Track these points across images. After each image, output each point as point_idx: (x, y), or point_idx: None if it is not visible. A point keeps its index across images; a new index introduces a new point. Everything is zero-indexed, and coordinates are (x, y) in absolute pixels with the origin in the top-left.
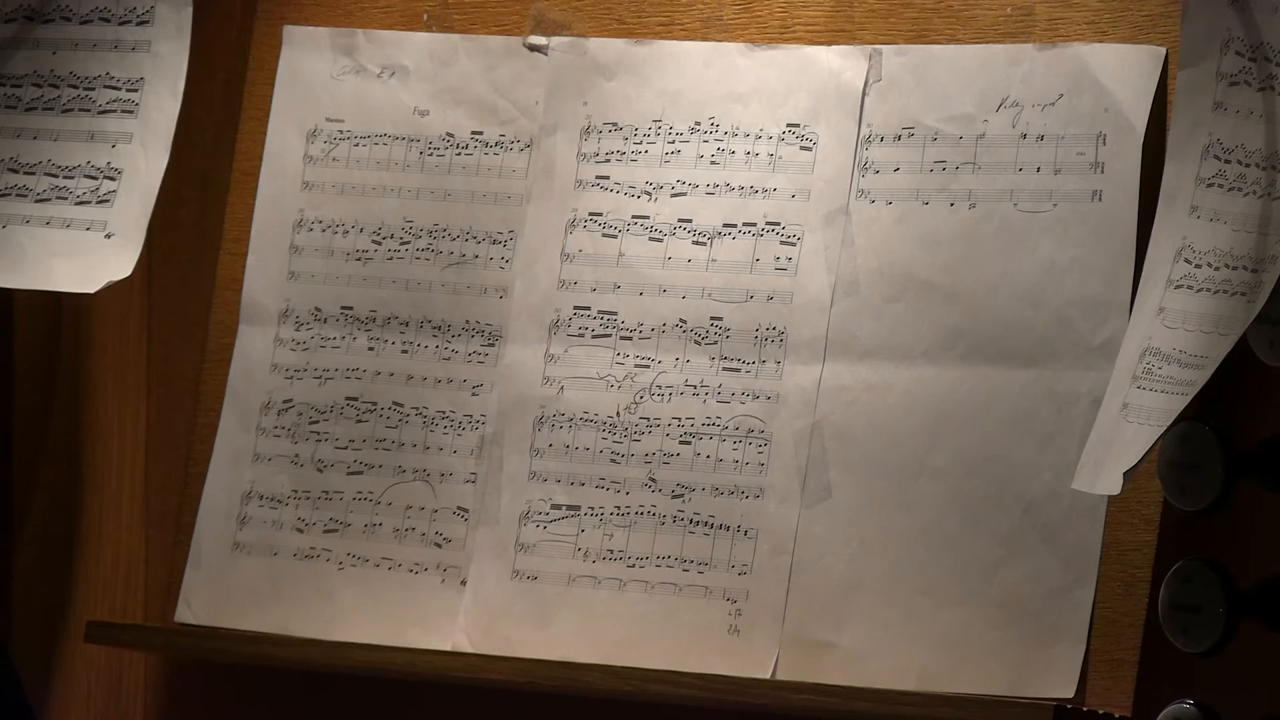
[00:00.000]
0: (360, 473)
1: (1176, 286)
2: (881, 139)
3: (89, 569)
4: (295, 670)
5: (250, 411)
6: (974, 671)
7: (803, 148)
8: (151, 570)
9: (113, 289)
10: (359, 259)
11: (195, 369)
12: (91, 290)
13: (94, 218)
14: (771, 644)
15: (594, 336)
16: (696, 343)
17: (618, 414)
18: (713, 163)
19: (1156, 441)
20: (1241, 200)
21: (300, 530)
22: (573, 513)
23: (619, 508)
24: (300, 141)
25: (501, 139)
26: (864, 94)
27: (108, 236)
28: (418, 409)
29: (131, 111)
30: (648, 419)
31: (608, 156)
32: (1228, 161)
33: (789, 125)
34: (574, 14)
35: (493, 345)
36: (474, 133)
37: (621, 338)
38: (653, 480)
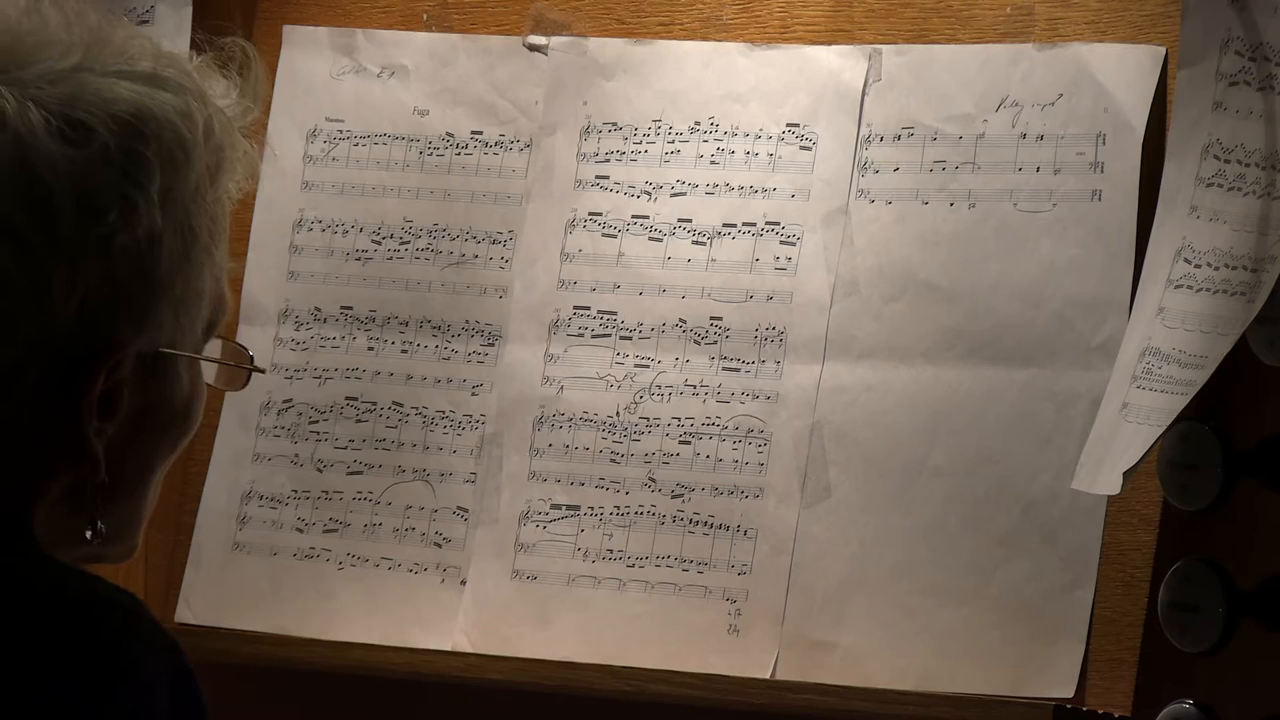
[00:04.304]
0: (360, 473)
1: (1176, 286)
2: (881, 139)
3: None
4: (295, 670)
5: (250, 411)
6: (974, 671)
7: (802, 148)
8: (151, 570)
9: None
10: (359, 259)
11: None
12: None
13: None
14: (771, 644)
15: (594, 336)
16: (696, 342)
17: (617, 414)
18: (712, 163)
19: (1156, 441)
20: (1241, 200)
21: (300, 530)
22: (572, 513)
23: (619, 508)
24: (300, 141)
25: (501, 139)
26: (864, 94)
27: None
28: (418, 409)
29: None
30: (647, 419)
31: (607, 156)
32: (1227, 161)
33: (789, 125)
34: (574, 14)
35: (492, 345)
36: (474, 133)
37: (621, 338)
38: (652, 480)
